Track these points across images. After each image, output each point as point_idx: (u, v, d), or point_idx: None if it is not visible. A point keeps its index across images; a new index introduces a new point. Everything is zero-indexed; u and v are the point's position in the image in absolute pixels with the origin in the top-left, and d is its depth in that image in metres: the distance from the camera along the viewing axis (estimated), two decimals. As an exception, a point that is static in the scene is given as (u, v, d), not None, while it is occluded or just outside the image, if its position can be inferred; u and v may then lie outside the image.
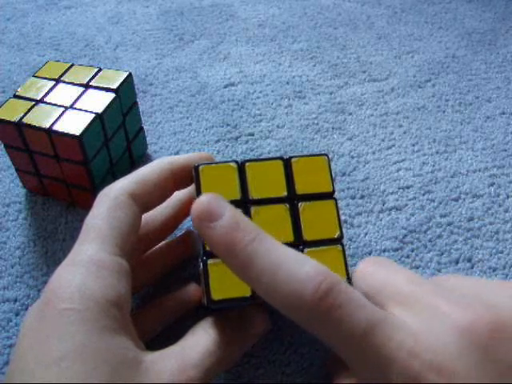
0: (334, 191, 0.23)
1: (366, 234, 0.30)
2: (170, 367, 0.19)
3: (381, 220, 0.31)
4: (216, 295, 0.20)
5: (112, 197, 0.21)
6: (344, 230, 0.29)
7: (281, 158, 0.22)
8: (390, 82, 0.43)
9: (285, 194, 0.22)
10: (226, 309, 0.22)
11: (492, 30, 0.49)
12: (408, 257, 0.29)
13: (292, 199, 0.22)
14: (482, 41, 0.48)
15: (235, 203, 0.21)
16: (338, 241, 0.22)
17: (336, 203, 0.22)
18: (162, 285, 0.27)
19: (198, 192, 0.22)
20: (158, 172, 0.23)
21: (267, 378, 0.24)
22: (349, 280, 0.21)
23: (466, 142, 0.37)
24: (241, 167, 0.22)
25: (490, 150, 0.36)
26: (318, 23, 0.50)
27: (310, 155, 0.23)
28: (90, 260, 0.19)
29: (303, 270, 0.17)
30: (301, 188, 0.22)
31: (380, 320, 0.16)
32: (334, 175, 0.34)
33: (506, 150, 0.36)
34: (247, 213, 0.21)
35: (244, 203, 0.22)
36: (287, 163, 0.22)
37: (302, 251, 0.21)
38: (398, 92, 0.41)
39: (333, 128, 0.38)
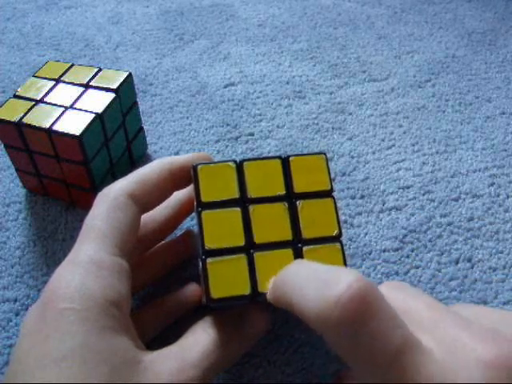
0: (332, 189, 0.23)
1: (366, 234, 0.30)
2: (170, 367, 0.19)
3: (381, 220, 0.31)
4: (215, 293, 0.20)
5: (112, 197, 0.21)
6: (344, 230, 0.29)
7: (279, 157, 0.22)
8: (389, 82, 0.42)
9: (283, 192, 0.22)
10: (226, 308, 0.22)
11: (492, 29, 0.49)
12: (408, 257, 0.29)
13: (290, 198, 0.22)
14: (482, 41, 0.48)
15: (234, 202, 0.22)
16: (337, 239, 0.22)
17: (334, 201, 0.22)
18: (162, 285, 0.27)
19: (197, 192, 0.22)
20: (158, 172, 0.23)
21: (267, 378, 0.24)
22: None
23: (466, 142, 0.37)
24: (239, 166, 0.22)
25: (489, 150, 0.36)
26: (317, 23, 0.50)
27: (308, 154, 0.23)
28: (90, 260, 0.19)
29: (331, 274, 0.16)
30: (299, 186, 0.22)
31: (415, 342, 0.15)
32: (333, 175, 0.34)
33: (506, 150, 0.36)
34: (246, 212, 0.21)
35: (242, 202, 0.22)
36: (285, 162, 0.22)
37: (300, 249, 0.21)
38: (398, 92, 0.41)
39: (333, 128, 0.38)
